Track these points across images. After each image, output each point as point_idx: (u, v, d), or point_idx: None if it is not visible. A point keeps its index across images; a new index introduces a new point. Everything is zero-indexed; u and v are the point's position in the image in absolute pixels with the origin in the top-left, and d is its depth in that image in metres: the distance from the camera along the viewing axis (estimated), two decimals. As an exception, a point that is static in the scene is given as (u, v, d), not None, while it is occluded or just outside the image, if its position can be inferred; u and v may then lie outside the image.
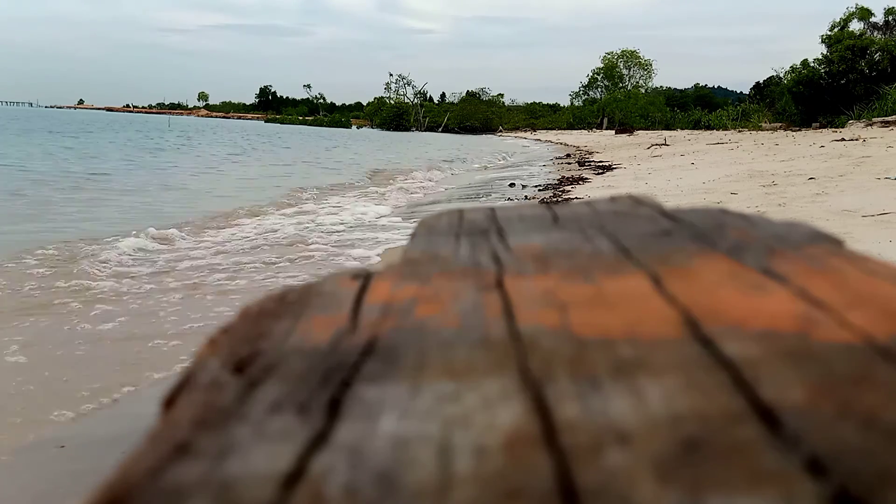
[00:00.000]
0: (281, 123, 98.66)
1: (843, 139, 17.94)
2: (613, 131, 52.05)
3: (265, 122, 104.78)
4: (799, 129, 30.39)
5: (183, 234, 7.97)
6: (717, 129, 41.12)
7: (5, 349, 4.01)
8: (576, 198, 9.95)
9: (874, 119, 26.04)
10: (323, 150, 31.88)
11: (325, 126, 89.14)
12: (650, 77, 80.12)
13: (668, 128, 53.63)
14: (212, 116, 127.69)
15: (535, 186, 13.13)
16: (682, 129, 49.09)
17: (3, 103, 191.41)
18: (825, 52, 36.87)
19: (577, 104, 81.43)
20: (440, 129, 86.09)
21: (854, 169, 10.46)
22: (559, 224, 0.91)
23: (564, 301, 0.56)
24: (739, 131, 34.50)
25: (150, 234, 7.63)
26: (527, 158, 27.17)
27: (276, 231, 8.38)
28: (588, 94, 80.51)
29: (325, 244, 7.56)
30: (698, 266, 0.64)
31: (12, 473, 2.77)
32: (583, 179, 13.94)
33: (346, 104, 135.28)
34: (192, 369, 0.49)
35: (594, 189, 11.79)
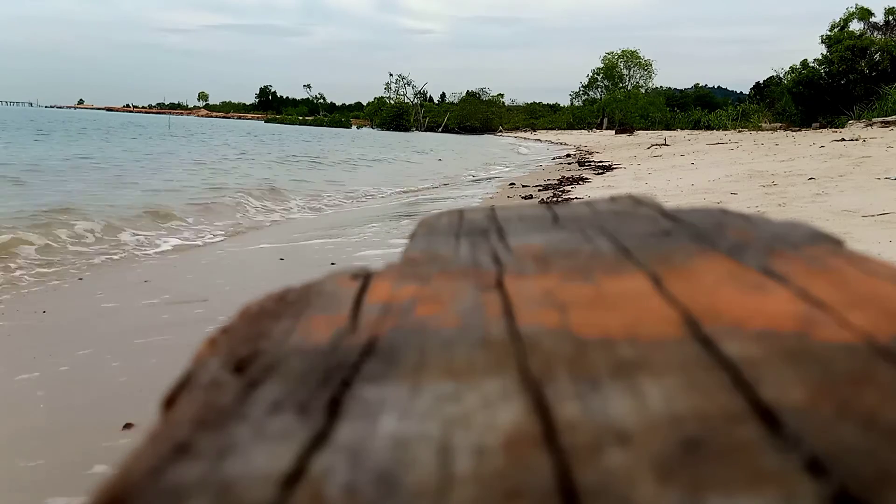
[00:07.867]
0: (281, 123, 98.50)
1: (843, 139, 17.93)
2: (613, 131, 52.07)
3: (265, 122, 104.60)
4: (799, 130, 30.37)
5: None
6: (717, 130, 41.12)
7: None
8: (576, 198, 9.97)
9: (874, 119, 26.03)
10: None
11: (325, 126, 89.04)
12: (650, 77, 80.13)
13: (668, 128, 53.65)
14: (212, 116, 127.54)
15: (536, 186, 13.20)
16: (681, 129, 49.11)
17: (3, 103, 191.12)
18: (825, 53, 36.86)
19: (577, 104, 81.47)
20: (440, 130, 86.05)
21: (854, 169, 10.45)
22: (559, 224, 0.91)
23: (564, 301, 0.56)
24: (739, 131, 34.49)
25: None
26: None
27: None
28: (588, 95, 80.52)
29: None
30: (698, 266, 0.64)
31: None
32: (583, 179, 13.93)
33: (346, 104, 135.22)
34: (192, 369, 0.49)
35: (594, 189, 11.79)
